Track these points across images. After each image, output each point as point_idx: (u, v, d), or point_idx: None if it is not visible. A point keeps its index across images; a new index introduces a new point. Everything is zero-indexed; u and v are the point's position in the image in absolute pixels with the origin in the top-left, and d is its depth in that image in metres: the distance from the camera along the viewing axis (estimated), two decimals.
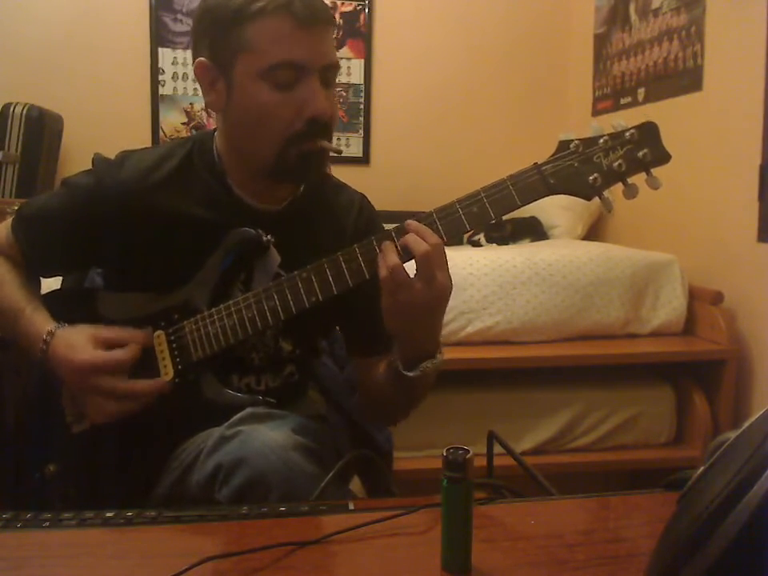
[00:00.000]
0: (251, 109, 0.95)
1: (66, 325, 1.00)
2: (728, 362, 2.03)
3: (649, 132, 0.86)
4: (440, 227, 0.89)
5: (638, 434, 2.09)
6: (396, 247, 0.89)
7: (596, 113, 3.09)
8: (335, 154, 1.00)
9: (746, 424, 0.47)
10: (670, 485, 0.74)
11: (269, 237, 1.01)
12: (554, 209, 2.79)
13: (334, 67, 0.98)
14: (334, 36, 0.99)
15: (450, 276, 0.90)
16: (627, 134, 0.86)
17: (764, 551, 0.42)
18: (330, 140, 0.99)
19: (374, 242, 0.91)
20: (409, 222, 0.90)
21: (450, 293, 0.91)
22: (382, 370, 1.05)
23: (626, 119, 0.88)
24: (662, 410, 2.11)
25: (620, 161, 0.86)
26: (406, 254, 0.88)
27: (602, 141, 0.87)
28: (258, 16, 0.91)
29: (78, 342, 0.97)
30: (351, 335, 1.17)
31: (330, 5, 3.19)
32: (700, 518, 0.43)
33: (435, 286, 0.88)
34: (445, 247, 0.89)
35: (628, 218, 2.83)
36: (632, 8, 2.79)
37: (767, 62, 1.98)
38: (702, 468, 0.47)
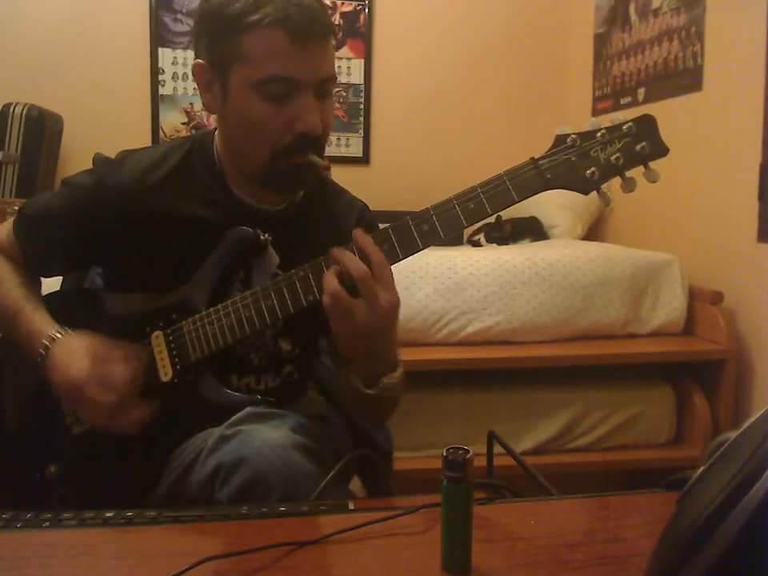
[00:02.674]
0: (244, 117, 0.96)
1: (69, 330, 1.00)
2: (728, 362, 2.03)
3: (647, 125, 0.85)
4: (396, 242, 0.87)
5: (637, 434, 2.09)
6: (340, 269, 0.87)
7: (596, 113, 3.09)
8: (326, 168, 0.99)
9: (746, 424, 0.47)
10: (670, 485, 0.74)
11: (266, 235, 1.01)
12: (554, 208, 2.78)
13: (331, 80, 0.97)
14: (334, 43, 0.97)
15: (395, 294, 0.88)
16: (625, 127, 0.84)
17: (764, 551, 0.42)
18: (321, 154, 0.98)
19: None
20: (356, 235, 0.88)
21: (397, 310, 0.89)
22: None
23: None
24: (662, 410, 2.10)
25: (618, 154, 0.84)
26: (347, 277, 0.86)
27: (599, 134, 0.85)
28: (254, 28, 0.90)
29: (75, 355, 0.95)
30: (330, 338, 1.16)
31: (330, 5, 3.22)
32: (700, 518, 0.43)
33: (378, 308, 0.86)
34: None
35: (628, 218, 2.83)
36: (632, 8, 2.79)
37: (767, 61, 1.98)
38: (701, 468, 0.47)
